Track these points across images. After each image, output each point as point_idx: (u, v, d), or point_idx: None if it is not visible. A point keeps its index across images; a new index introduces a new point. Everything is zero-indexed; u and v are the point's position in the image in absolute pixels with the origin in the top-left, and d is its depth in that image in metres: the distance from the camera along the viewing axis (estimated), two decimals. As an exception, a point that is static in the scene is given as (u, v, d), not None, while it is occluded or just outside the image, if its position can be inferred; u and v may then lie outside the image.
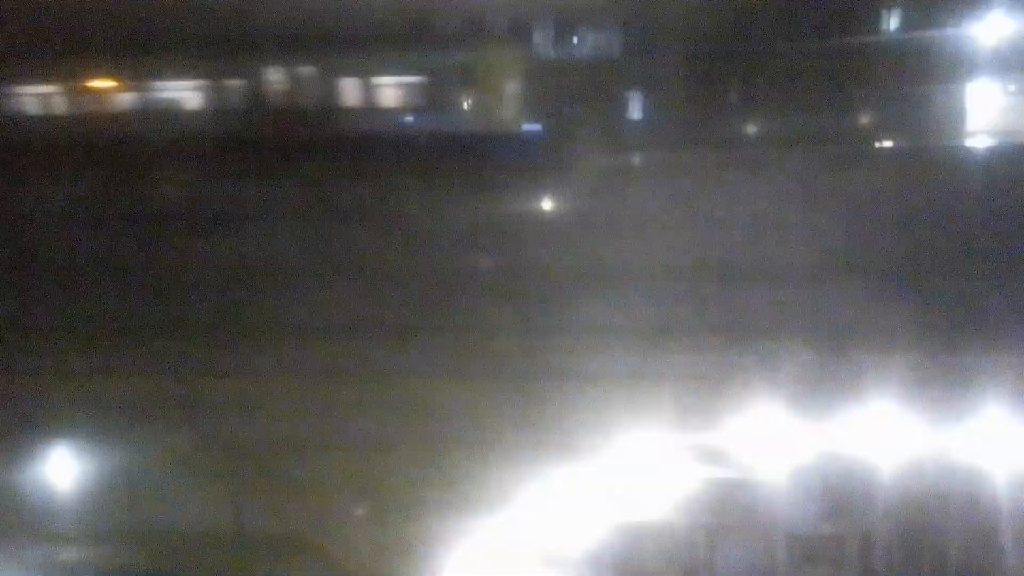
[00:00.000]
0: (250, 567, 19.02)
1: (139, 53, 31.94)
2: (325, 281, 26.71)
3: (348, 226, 28.30)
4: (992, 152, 30.37)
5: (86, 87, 32.74)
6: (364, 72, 31.15)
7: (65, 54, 32.14)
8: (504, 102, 30.90)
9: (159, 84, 32.32)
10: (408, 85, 31.42)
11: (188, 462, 21.04)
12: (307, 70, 31.73)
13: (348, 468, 20.47)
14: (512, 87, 30.94)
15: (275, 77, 32.13)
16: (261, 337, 25.07)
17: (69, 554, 19.54)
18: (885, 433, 16.94)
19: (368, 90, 31.41)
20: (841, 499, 16.19)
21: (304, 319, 25.84)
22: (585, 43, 32.54)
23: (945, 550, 15.80)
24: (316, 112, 31.57)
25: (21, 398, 23.03)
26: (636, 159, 30.81)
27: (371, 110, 31.38)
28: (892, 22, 31.71)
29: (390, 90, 31.54)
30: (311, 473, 20.65)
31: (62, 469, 20.58)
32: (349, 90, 31.61)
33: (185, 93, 32.57)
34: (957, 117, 30.91)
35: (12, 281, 27.39)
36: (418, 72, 31.12)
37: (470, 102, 31.29)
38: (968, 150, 30.72)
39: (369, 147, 29.62)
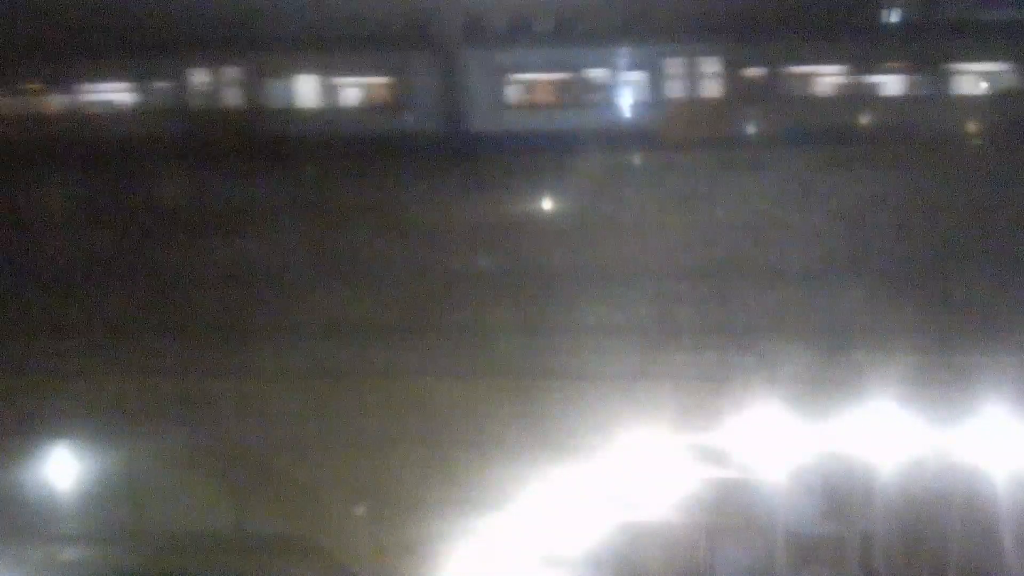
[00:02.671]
0: (250, 567, 19.01)
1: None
2: (325, 282, 26.75)
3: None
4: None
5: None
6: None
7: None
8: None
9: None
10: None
11: (188, 462, 21.04)
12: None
13: (348, 468, 20.47)
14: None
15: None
16: (261, 337, 25.08)
17: (69, 554, 19.55)
18: (885, 433, 16.93)
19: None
20: (841, 499, 16.17)
21: (305, 319, 25.87)
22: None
23: (945, 550, 15.79)
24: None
25: (21, 398, 23.04)
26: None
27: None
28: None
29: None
30: (311, 473, 20.66)
31: (62, 469, 20.56)
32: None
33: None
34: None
35: (12, 282, 27.39)
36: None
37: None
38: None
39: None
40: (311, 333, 24.66)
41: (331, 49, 31.28)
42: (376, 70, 31.26)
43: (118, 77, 32.02)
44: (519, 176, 28.63)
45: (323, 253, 27.66)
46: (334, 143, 29.74)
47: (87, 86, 32.36)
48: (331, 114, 31.14)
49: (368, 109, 31.37)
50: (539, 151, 28.92)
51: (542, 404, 21.41)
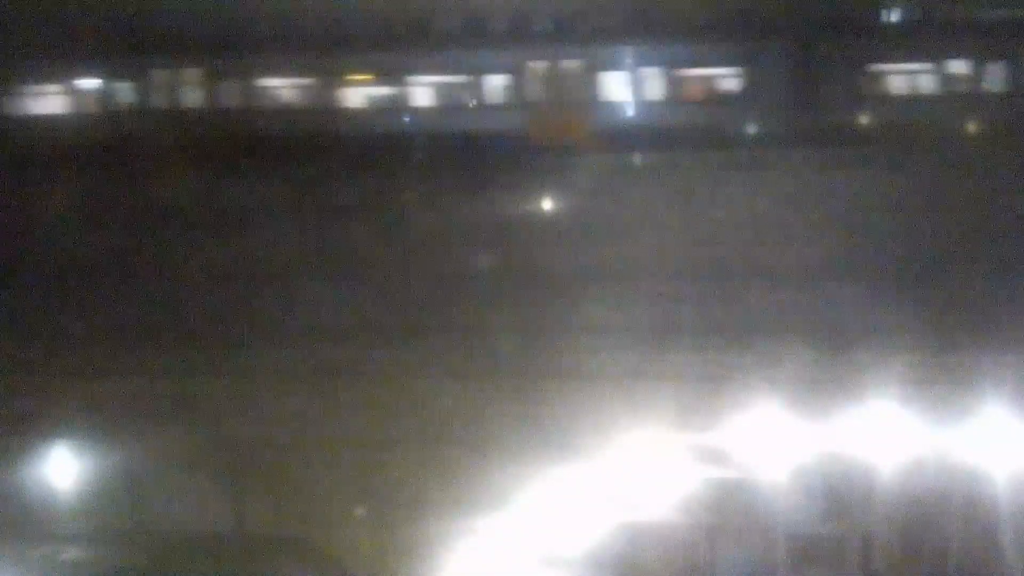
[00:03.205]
0: (250, 567, 18.99)
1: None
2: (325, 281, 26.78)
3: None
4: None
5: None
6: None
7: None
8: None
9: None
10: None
11: (188, 462, 21.03)
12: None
13: (348, 468, 20.46)
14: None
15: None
16: (261, 337, 25.10)
17: (69, 554, 19.52)
18: (885, 433, 16.94)
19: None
20: (841, 499, 16.19)
21: (304, 319, 25.89)
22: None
23: (945, 550, 15.79)
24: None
25: (21, 398, 23.05)
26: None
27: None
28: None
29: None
30: (311, 473, 20.64)
31: (62, 469, 20.55)
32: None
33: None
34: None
35: (12, 281, 27.42)
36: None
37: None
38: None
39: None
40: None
41: (676, 39, 30.76)
42: (723, 61, 30.63)
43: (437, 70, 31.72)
44: (874, 169, 27.93)
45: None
46: (675, 134, 29.29)
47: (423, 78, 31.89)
48: (672, 106, 30.55)
49: (711, 101, 30.59)
50: (897, 144, 28.19)
51: (542, 404, 21.43)
